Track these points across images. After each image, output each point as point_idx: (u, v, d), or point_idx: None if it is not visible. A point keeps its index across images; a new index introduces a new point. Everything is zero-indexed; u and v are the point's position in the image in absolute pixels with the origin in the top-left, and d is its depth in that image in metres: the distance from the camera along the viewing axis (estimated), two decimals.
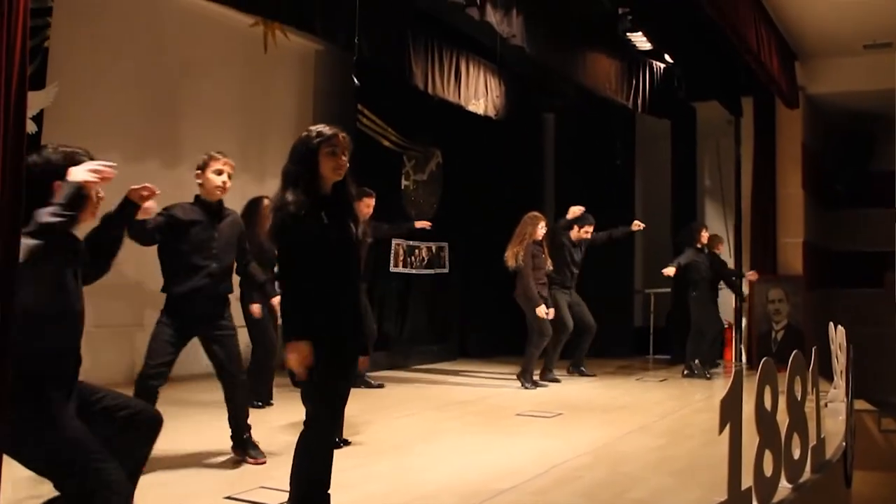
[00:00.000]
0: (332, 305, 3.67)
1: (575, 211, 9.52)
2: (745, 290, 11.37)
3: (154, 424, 3.38)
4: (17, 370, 2.84)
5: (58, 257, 3.07)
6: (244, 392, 5.24)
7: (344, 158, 3.78)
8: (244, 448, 5.14)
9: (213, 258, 5.05)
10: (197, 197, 5.17)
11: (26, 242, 2.83)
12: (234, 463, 5.07)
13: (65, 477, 2.99)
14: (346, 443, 5.57)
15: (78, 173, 3.04)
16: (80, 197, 3.02)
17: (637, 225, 10.12)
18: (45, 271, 3.01)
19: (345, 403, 3.87)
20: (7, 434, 2.74)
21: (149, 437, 3.37)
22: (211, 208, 5.14)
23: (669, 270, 9.80)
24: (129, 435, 3.27)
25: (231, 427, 5.15)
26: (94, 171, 3.08)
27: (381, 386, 8.62)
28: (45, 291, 3.06)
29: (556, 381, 9.23)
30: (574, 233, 9.64)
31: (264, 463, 5.06)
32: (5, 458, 2.78)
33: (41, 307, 3.04)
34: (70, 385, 3.15)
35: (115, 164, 3.17)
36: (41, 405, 2.98)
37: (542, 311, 8.67)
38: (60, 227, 2.95)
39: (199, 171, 5.16)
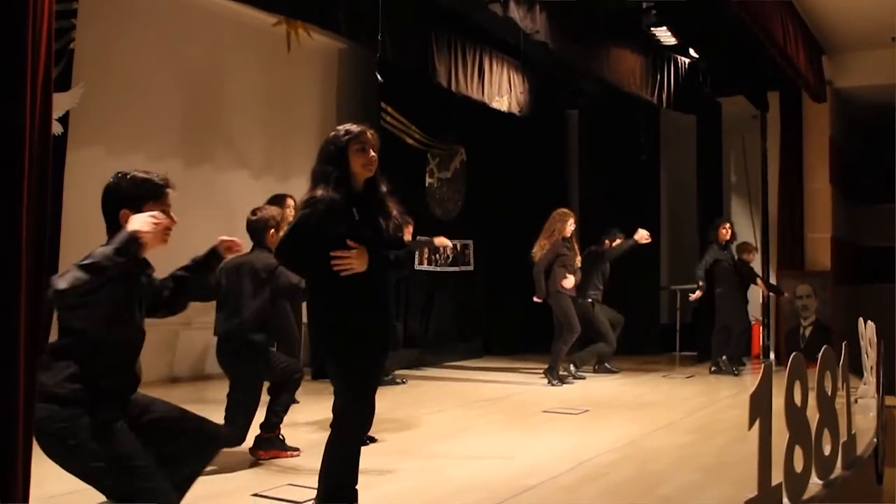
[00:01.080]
0: (363, 301, 3.67)
1: (643, 235, 9.35)
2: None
3: (208, 438, 3.39)
4: (72, 389, 2.97)
5: (114, 289, 3.08)
6: (245, 419, 5.21)
7: (373, 154, 3.79)
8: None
9: None
10: (269, 249, 5.16)
11: (75, 274, 2.88)
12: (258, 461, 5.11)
13: (111, 489, 3.05)
14: (373, 440, 5.57)
15: (136, 222, 3.06)
16: (134, 245, 3.05)
17: (643, 237, 9.72)
18: (99, 300, 3.03)
19: (374, 400, 3.87)
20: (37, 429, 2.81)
21: (202, 451, 3.37)
22: None
23: (696, 295, 9.95)
24: (180, 445, 3.28)
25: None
26: (153, 223, 3.08)
27: (403, 382, 8.63)
28: (99, 319, 3.10)
29: (582, 377, 9.18)
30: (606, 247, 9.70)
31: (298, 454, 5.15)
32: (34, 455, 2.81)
33: (95, 333, 3.10)
34: (123, 402, 3.19)
35: (174, 220, 3.22)
36: (94, 421, 3.02)
37: (569, 282, 8.70)
38: (111, 272, 2.97)
39: (273, 231, 5.26)
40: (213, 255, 3.60)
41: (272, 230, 5.25)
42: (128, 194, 3.20)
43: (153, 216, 3.08)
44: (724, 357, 9.91)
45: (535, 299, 8.89)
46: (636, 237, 9.32)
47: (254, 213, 5.38)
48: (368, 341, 3.68)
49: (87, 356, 3.06)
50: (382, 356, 3.93)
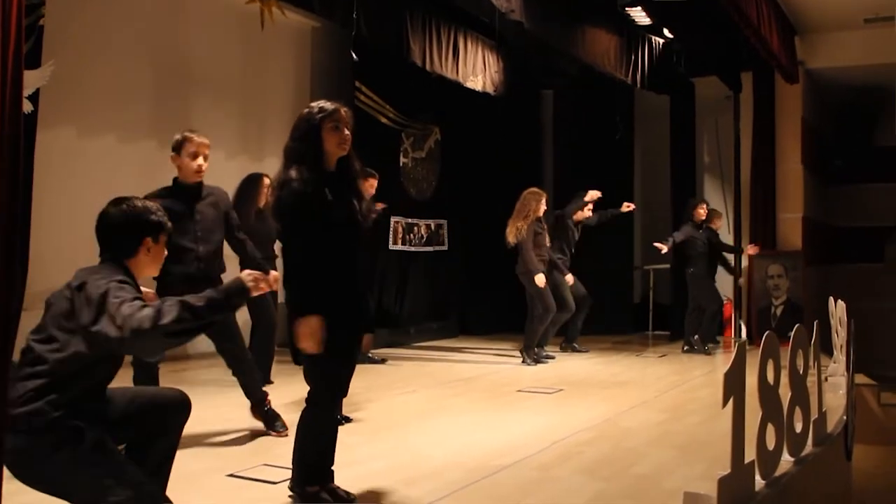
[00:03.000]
0: (336, 283, 3.66)
1: (593, 195, 9.52)
2: (745, 263, 11.38)
3: (171, 406, 3.33)
4: (60, 416, 2.88)
5: None
6: (250, 363, 5.27)
7: (347, 133, 3.77)
8: (267, 420, 5.20)
9: (198, 241, 5.06)
10: (175, 180, 5.14)
11: (181, 313, 2.80)
12: (243, 438, 5.09)
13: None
14: (348, 420, 5.58)
15: (248, 279, 3.04)
16: (241, 301, 3.07)
17: (627, 206, 10.05)
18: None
19: (348, 381, 3.87)
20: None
21: (171, 423, 3.31)
22: (190, 191, 5.13)
23: (662, 246, 9.82)
24: (147, 427, 3.23)
25: (249, 398, 5.23)
26: (259, 284, 3.07)
27: (383, 361, 8.66)
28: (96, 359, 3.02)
29: (551, 357, 9.21)
30: (578, 215, 9.65)
31: (286, 435, 5.10)
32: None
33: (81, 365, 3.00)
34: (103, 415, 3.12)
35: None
36: (83, 444, 2.94)
37: (540, 279, 8.64)
38: (209, 322, 2.94)
39: (174, 154, 5.13)
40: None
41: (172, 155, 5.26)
42: (152, 224, 3.19)
43: (256, 276, 3.07)
44: (696, 336, 9.99)
45: (538, 281, 8.75)
46: (622, 208, 9.84)
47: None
48: (340, 322, 3.66)
49: (67, 383, 2.95)
50: (355, 337, 3.92)
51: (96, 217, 3.20)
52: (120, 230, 3.14)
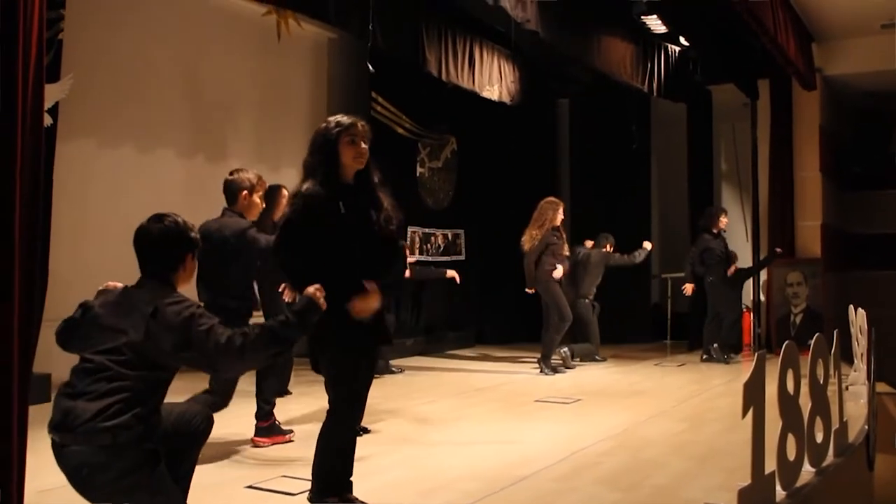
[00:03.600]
0: (352, 293, 3.66)
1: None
2: (763, 277, 11.34)
3: (205, 420, 3.39)
4: (142, 432, 2.97)
5: None
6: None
7: (364, 146, 3.80)
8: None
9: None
10: (240, 214, 5.24)
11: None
12: (262, 450, 5.12)
13: None
14: (366, 431, 5.57)
15: (318, 295, 3.23)
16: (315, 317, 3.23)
17: (647, 246, 10.08)
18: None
19: (367, 392, 3.87)
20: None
21: (195, 438, 3.36)
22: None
23: (689, 289, 10.05)
24: (174, 442, 3.26)
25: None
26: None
27: (400, 371, 8.65)
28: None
29: (570, 368, 9.19)
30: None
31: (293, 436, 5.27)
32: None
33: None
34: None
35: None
36: (158, 468, 3.06)
37: (558, 272, 8.72)
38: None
39: (246, 193, 5.25)
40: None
41: (245, 192, 5.25)
42: (193, 241, 3.31)
43: (318, 288, 3.24)
44: (715, 345, 9.94)
45: (528, 291, 8.90)
46: (645, 246, 9.89)
47: (231, 173, 5.38)
48: (360, 335, 3.67)
49: (147, 398, 3.05)
50: (374, 349, 3.93)
51: (134, 232, 3.27)
52: (164, 246, 3.23)
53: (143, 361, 3.02)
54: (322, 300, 3.19)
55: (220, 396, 5.06)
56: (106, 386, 2.98)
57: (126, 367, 3.00)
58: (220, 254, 5.02)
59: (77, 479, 2.96)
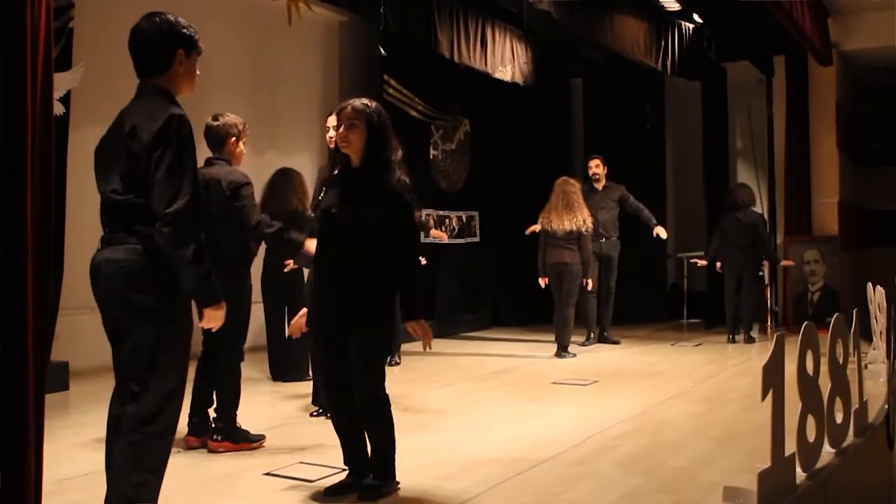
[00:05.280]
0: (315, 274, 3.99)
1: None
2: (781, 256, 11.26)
3: None
4: None
5: None
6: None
7: (343, 131, 3.86)
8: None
9: None
10: (227, 161, 5.07)
11: None
12: (277, 437, 5.09)
13: None
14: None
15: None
16: None
17: (659, 231, 9.89)
18: None
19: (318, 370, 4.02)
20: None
21: None
22: None
23: (702, 262, 9.99)
24: None
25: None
26: None
27: (396, 364, 8.11)
28: None
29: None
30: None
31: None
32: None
33: None
34: None
35: None
36: None
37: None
38: None
39: (234, 139, 5.08)
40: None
41: (232, 139, 5.07)
42: (185, 38, 3.41)
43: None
44: (738, 324, 9.87)
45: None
46: (658, 232, 9.78)
47: (215, 118, 5.15)
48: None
49: None
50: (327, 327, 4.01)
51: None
52: (154, 42, 3.34)
53: None
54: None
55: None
56: None
57: None
58: (216, 205, 4.72)
59: None
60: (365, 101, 3.92)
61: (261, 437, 4.94)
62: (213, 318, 3.14)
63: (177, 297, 3.09)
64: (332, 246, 3.84)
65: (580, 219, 8.64)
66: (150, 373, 3.04)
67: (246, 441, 4.86)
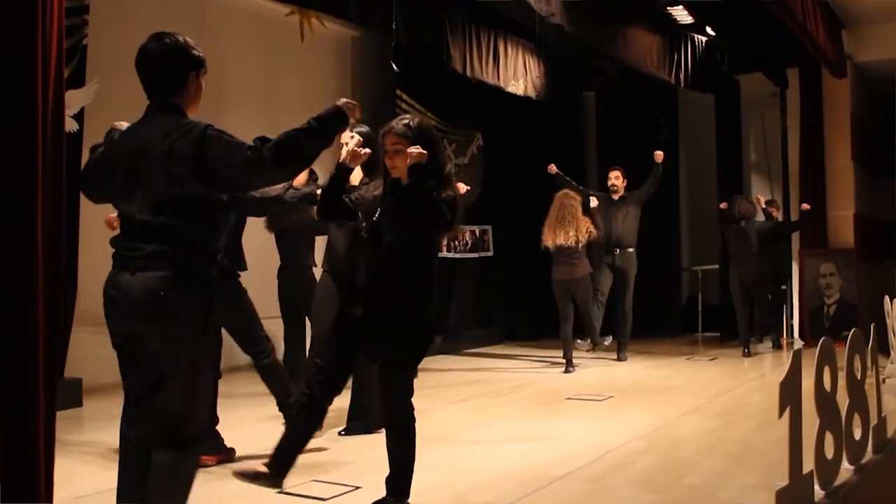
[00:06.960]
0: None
1: None
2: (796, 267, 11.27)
3: None
4: None
5: None
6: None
7: (392, 156, 3.89)
8: None
9: None
10: None
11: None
12: None
13: None
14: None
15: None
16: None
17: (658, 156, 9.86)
18: None
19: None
20: None
21: None
22: None
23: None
24: None
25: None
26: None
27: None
28: None
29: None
30: None
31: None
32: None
33: None
34: None
35: None
36: None
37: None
38: None
39: None
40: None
41: None
42: (195, 60, 3.32)
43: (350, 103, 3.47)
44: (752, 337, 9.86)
45: None
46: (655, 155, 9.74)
47: None
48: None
49: None
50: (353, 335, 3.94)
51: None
52: (164, 64, 3.28)
53: None
54: (353, 110, 3.39)
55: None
56: None
57: None
58: None
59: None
60: (406, 121, 3.91)
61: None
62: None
63: (206, 326, 3.05)
64: (378, 260, 3.82)
65: (571, 234, 8.54)
66: (176, 400, 2.99)
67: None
